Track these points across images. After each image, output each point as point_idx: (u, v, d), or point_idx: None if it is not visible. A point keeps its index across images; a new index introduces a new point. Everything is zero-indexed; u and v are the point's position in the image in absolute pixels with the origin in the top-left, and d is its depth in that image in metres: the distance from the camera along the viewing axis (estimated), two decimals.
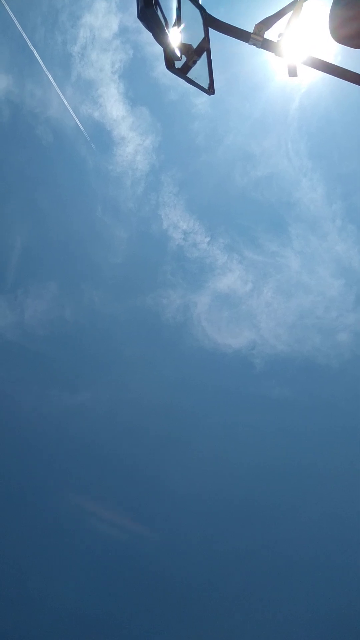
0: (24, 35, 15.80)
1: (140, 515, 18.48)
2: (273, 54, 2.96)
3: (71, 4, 16.47)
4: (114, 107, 18.16)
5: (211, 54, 2.92)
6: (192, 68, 2.95)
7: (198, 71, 2.98)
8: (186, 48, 2.81)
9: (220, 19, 2.86)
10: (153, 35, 2.27)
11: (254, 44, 2.79)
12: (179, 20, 2.62)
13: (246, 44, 2.92)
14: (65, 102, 17.48)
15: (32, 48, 16.11)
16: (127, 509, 18.54)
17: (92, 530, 18.08)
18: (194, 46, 2.86)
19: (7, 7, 14.50)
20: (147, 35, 2.54)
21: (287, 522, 18.41)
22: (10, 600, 16.75)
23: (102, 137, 18.71)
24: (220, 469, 19.22)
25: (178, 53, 2.60)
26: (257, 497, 18.73)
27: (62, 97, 17.34)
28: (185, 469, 19.14)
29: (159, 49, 2.71)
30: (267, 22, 2.78)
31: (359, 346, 19.51)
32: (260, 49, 3.01)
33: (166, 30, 2.31)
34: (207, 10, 2.80)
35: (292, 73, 2.99)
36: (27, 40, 15.98)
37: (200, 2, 2.70)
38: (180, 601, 17.42)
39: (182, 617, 17.23)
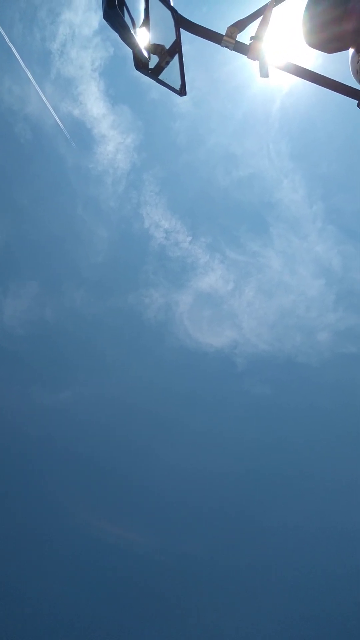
0: (1, 31, 15.51)
1: (125, 517, 18.44)
2: (246, 57, 2.93)
3: (50, 0, 16.25)
4: (94, 105, 17.99)
5: (182, 54, 2.87)
6: (166, 69, 2.90)
7: (170, 71, 2.93)
8: (158, 49, 2.76)
9: (193, 20, 2.82)
10: (120, 36, 2.21)
11: (226, 46, 2.76)
12: (147, 21, 2.56)
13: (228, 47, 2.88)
14: (45, 100, 17.24)
15: (10, 44, 15.84)
16: (114, 501, 18.48)
17: (87, 523, 17.99)
18: (167, 46, 2.81)
19: None
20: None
21: (266, 512, 18.59)
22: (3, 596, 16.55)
23: (82, 135, 18.54)
24: (204, 466, 19.28)
25: (145, 54, 2.55)
26: (240, 492, 18.85)
27: (41, 94, 17.10)
28: (168, 467, 19.14)
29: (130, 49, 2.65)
30: (240, 25, 2.75)
31: (339, 345, 19.78)
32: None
33: (132, 32, 2.25)
34: (179, 12, 2.76)
35: (264, 73, 2.97)
36: (5, 36, 15.70)
37: (171, 3, 2.65)
38: (179, 583, 17.45)
39: (180, 604, 17.24)
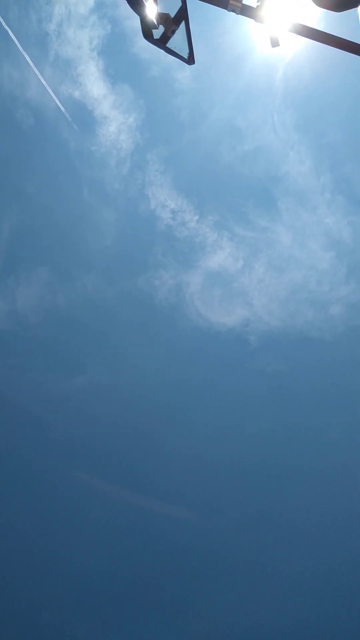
0: None
1: (141, 492, 18.81)
2: (253, 21, 2.89)
3: None
4: (94, 85, 17.75)
5: (189, 23, 2.85)
6: (172, 38, 2.88)
7: (178, 41, 2.91)
8: (164, 17, 2.74)
9: None
10: (129, 4, 2.20)
11: (232, 10, 2.73)
12: None
13: (226, 13, 2.85)
14: (44, 83, 17.06)
15: (7, 28, 15.62)
16: (128, 485, 18.84)
17: (95, 509, 18.39)
18: (172, 15, 2.79)
19: None
20: (125, 10, 2.47)
21: (286, 491, 18.83)
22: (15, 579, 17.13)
23: (83, 117, 18.33)
24: (221, 443, 19.51)
25: (155, 22, 2.54)
26: (256, 466, 19.08)
27: (40, 77, 16.91)
28: (183, 452, 19.40)
29: (138, 24, 2.64)
30: None
31: (352, 318, 19.66)
32: (240, 17, 2.93)
33: (143, 0, 2.24)
34: None
35: (275, 43, 2.93)
36: (1, 20, 15.47)
37: None
38: (181, 569, 17.88)
39: (182, 598, 17.70)
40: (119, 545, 18.21)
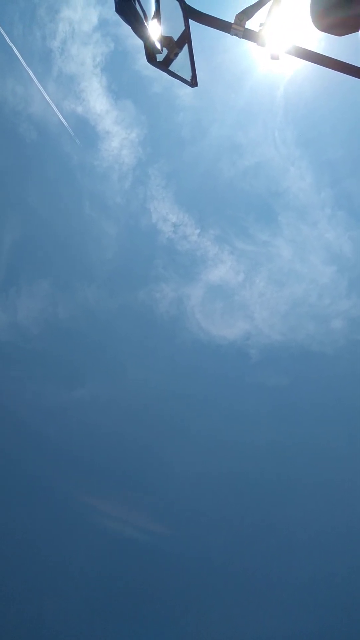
0: (2, 31, 15.55)
1: (140, 505, 18.61)
2: (255, 44, 2.92)
3: None
4: (97, 101, 17.98)
5: (192, 45, 2.88)
6: (175, 60, 2.91)
7: (180, 63, 2.94)
8: (167, 40, 2.77)
9: (200, 10, 2.82)
10: (132, 28, 2.23)
11: (235, 35, 2.75)
12: (158, 13, 2.57)
13: (228, 34, 2.88)
14: (48, 98, 17.28)
15: (11, 44, 15.88)
16: (128, 498, 18.64)
17: (95, 522, 18.19)
18: (175, 38, 2.82)
19: None
20: (128, 28, 2.50)
21: (286, 504, 18.61)
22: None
23: (86, 132, 18.54)
24: (221, 457, 19.34)
25: (159, 46, 2.56)
26: (256, 481, 18.89)
27: (44, 93, 17.13)
28: (185, 462, 19.24)
29: (140, 41, 2.67)
30: (248, 12, 2.74)
31: (353, 332, 19.63)
32: (243, 40, 2.97)
33: (145, 23, 2.27)
34: (187, 2, 2.76)
35: (275, 56, 2.96)
36: (6, 36, 15.73)
37: None
38: (182, 581, 17.61)
39: (183, 607, 17.41)
40: (117, 558, 17.97)
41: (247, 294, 20.31)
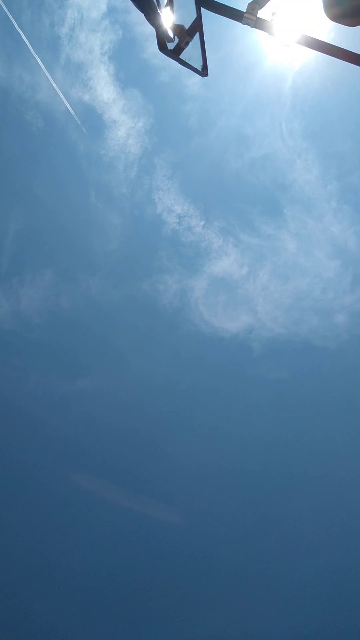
0: (10, 18, 15.44)
1: (142, 497, 18.76)
2: (266, 34, 2.92)
3: None
4: (104, 89, 17.86)
5: (204, 34, 2.88)
6: (185, 49, 2.91)
7: (191, 52, 2.94)
8: (178, 29, 2.77)
9: None
10: (145, 16, 2.23)
11: (247, 24, 2.75)
12: (170, 1, 2.57)
13: (238, 24, 2.88)
14: (55, 86, 17.18)
15: (20, 31, 15.76)
16: (130, 490, 18.80)
17: (96, 513, 18.36)
18: (186, 27, 2.82)
19: None
20: (137, 15, 2.49)
21: (287, 498, 18.74)
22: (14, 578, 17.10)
23: (93, 120, 18.43)
24: (222, 449, 19.46)
25: (170, 34, 2.56)
26: (257, 473, 19.02)
27: (51, 80, 17.03)
28: (186, 454, 19.36)
29: (149, 29, 2.67)
30: (260, 1, 2.74)
31: (356, 327, 19.61)
32: (252, 28, 2.96)
33: (158, 11, 2.27)
34: None
35: (286, 44, 2.96)
36: (14, 23, 15.62)
37: None
38: (182, 574, 17.79)
39: (182, 603, 17.61)
40: (118, 550, 18.16)
41: (250, 287, 20.29)
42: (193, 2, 2.64)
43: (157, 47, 2.60)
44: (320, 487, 18.66)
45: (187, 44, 2.87)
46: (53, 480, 18.45)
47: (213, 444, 19.52)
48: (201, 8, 2.65)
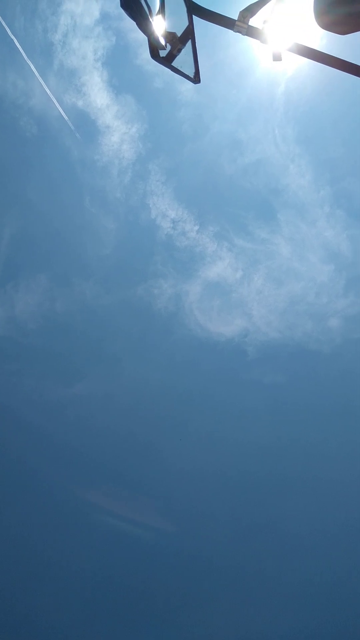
0: (3, 24, 15.47)
1: (138, 501, 18.68)
2: (258, 41, 2.94)
3: None
4: (98, 95, 17.91)
5: (196, 41, 2.89)
6: (177, 56, 2.92)
7: (183, 59, 2.95)
8: (170, 36, 2.78)
9: (204, 7, 2.83)
10: (136, 23, 2.24)
11: (238, 32, 2.77)
12: (162, 8, 2.58)
13: (230, 31, 2.89)
14: (48, 92, 17.21)
15: (13, 37, 15.79)
16: (126, 494, 18.71)
17: (93, 518, 18.26)
18: (178, 34, 2.83)
19: None
20: (130, 22, 2.51)
21: (283, 501, 18.72)
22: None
23: (86, 126, 18.48)
24: (217, 453, 19.43)
25: (162, 41, 2.57)
26: (253, 477, 18.99)
27: (45, 86, 17.06)
28: (182, 458, 19.31)
29: (142, 36, 2.68)
30: (252, 9, 2.75)
31: (350, 331, 19.70)
32: (245, 36, 2.98)
33: (150, 19, 2.28)
34: None
35: (277, 57, 2.97)
36: (7, 29, 15.65)
37: None
38: (180, 577, 17.71)
39: (181, 605, 17.51)
40: (116, 554, 18.05)
41: (245, 291, 20.34)
42: (185, 10, 2.65)
43: (150, 55, 2.61)
44: (317, 490, 18.67)
45: (179, 51, 2.88)
46: (50, 484, 18.35)
47: (208, 447, 19.49)
48: (193, 16, 2.66)
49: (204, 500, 18.88)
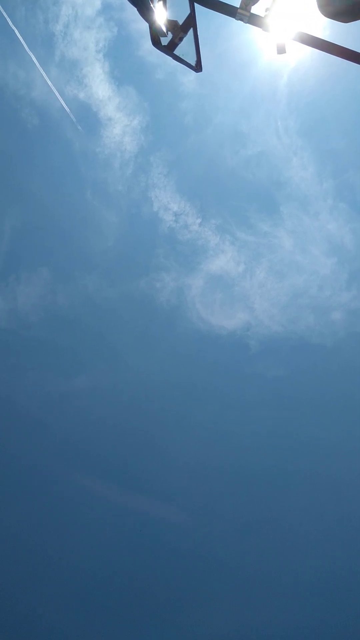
0: (4, 14, 15.35)
1: (140, 494, 18.79)
2: (260, 30, 2.92)
3: None
4: (99, 87, 17.80)
5: (197, 30, 2.87)
6: (179, 45, 2.90)
7: (185, 48, 2.93)
8: (172, 24, 2.76)
9: None
10: (138, 11, 2.22)
11: (240, 19, 2.75)
12: None
13: (233, 20, 2.87)
14: (50, 83, 17.11)
15: (14, 27, 15.68)
16: (128, 487, 18.82)
17: (95, 511, 18.38)
18: (180, 23, 2.81)
19: None
20: (132, 12, 2.48)
21: (285, 495, 18.81)
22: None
23: (88, 118, 18.37)
24: (220, 446, 19.49)
25: (164, 30, 2.56)
26: (255, 470, 19.07)
27: (46, 78, 16.96)
28: (184, 451, 19.38)
29: (144, 26, 2.66)
30: None
31: (353, 324, 19.66)
32: (247, 25, 2.96)
33: (152, 7, 2.26)
34: None
35: (281, 50, 2.94)
36: (8, 19, 15.54)
37: None
38: (180, 571, 17.84)
39: (180, 602, 17.66)
40: (117, 548, 18.17)
41: (247, 284, 20.31)
42: None
43: (151, 43, 2.59)
44: (318, 484, 18.74)
45: (181, 39, 2.87)
46: (51, 478, 18.45)
47: (211, 441, 19.56)
48: (195, 3, 2.64)
49: (207, 494, 18.98)
